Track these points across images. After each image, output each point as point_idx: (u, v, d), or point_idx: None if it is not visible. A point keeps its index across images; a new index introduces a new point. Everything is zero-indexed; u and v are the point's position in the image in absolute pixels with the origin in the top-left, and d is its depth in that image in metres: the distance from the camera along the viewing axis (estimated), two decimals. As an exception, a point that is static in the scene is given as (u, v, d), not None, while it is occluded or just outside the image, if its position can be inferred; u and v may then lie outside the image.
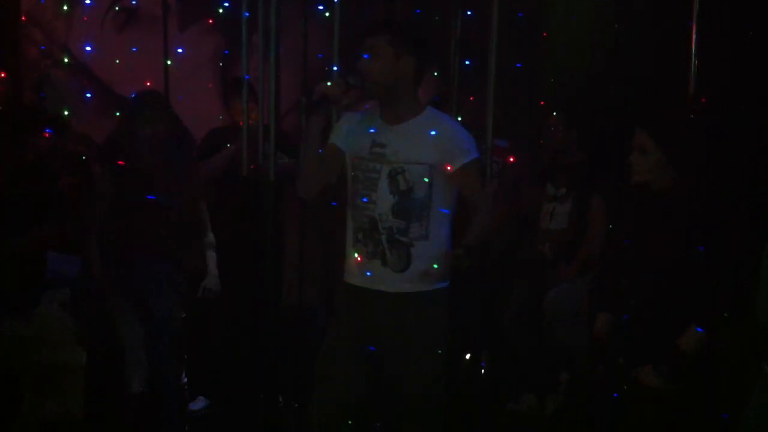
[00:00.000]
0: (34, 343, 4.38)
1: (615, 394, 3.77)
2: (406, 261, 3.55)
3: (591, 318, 4.01)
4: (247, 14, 4.92)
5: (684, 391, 3.54)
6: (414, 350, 3.59)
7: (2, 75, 5.78)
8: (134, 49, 6.94)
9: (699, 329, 3.47)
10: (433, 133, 3.50)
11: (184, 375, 5.21)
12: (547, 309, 5.21)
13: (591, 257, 5.16)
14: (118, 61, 7.02)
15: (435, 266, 3.51)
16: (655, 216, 3.64)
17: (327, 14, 5.13)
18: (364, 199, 3.54)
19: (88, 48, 7.06)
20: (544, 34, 6.70)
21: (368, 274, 3.58)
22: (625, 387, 3.69)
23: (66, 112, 5.92)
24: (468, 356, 5.77)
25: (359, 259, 3.58)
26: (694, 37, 4.88)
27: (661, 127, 3.63)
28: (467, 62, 5.05)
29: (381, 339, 3.61)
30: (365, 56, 3.50)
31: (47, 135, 4.65)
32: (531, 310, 5.33)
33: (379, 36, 3.49)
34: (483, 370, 5.63)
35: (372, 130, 3.55)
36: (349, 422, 3.63)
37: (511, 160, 5.87)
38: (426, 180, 3.49)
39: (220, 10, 6.61)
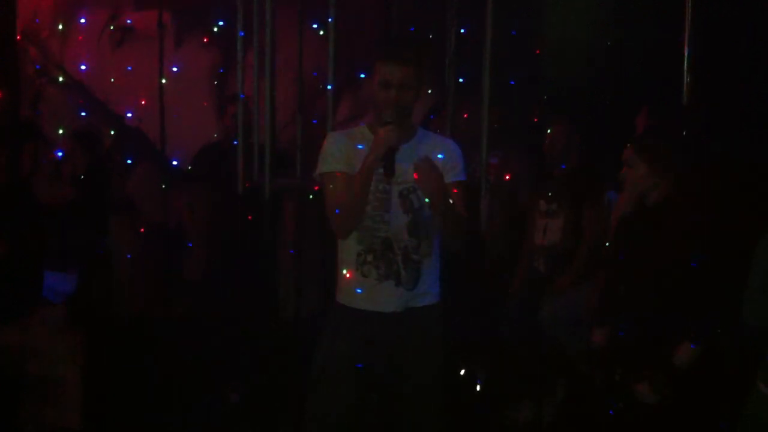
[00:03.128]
0: (30, 355, 4.38)
1: (611, 411, 3.77)
2: (417, 278, 3.56)
3: (590, 326, 4.03)
4: (242, 33, 4.95)
5: (680, 404, 3.55)
6: (415, 360, 3.59)
7: (-1, 93, 5.81)
8: (129, 68, 6.97)
9: (693, 344, 3.49)
10: (440, 156, 3.51)
11: None
12: (544, 321, 5.21)
13: (584, 266, 5.18)
14: (113, 80, 7.04)
15: (425, 284, 3.57)
16: (649, 230, 3.66)
17: (321, 32, 5.15)
18: (375, 220, 3.52)
19: (84, 66, 7.08)
20: (537, 51, 6.73)
21: (379, 296, 3.51)
22: (621, 400, 3.69)
23: (61, 130, 5.94)
24: (463, 372, 5.77)
25: (366, 280, 3.52)
26: (686, 52, 4.92)
27: (642, 141, 3.70)
28: (461, 79, 5.08)
29: (384, 356, 3.59)
30: (385, 86, 3.46)
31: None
32: (528, 320, 5.33)
33: (409, 68, 3.44)
34: (479, 386, 5.62)
35: None
36: None
37: (507, 177, 5.89)
38: None
39: (215, 28, 6.64)
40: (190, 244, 5.93)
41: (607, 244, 4.47)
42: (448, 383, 3.72)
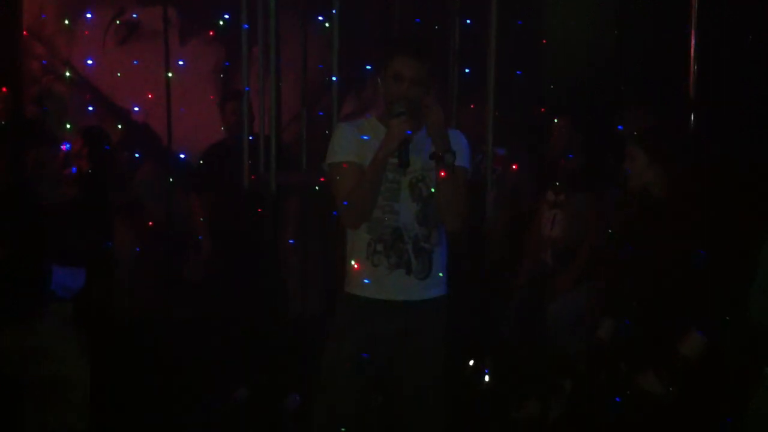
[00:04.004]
0: (36, 354, 4.38)
1: (617, 399, 3.77)
2: (429, 268, 3.57)
3: (592, 324, 4.02)
4: (246, 26, 4.93)
5: (686, 395, 3.55)
6: (424, 353, 3.60)
7: (3, 90, 5.80)
8: (135, 63, 6.97)
9: (699, 333, 3.48)
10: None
11: None
12: (549, 320, 5.20)
13: (585, 264, 5.16)
14: (119, 75, 7.05)
15: (440, 274, 3.60)
16: (654, 221, 3.66)
17: (327, 24, 5.13)
18: (385, 210, 3.52)
19: (90, 62, 7.08)
20: (544, 41, 6.71)
21: (389, 285, 3.54)
22: (628, 392, 3.69)
23: (68, 126, 5.94)
24: (471, 363, 5.77)
25: (376, 270, 3.53)
26: (693, 42, 4.90)
27: (641, 132, 3.70)
28: (467, 70, 5.07)
29: (392, 346, 3.59)
30: (395, 79, 3.45)
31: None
32: (532, 316, 5.32)
33: (423, 63, 3.45)
34: (486, 378, 5.62)
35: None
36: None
37: (514, 167, 5.88)
38: None
39: (221, 23, 6.62)
40: (200, 237, 5.94)
41: (610, 231, 4.47)
42: (452, 381, 3.71)
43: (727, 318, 3.44)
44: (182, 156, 6.57)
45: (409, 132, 3.37)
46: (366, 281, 3.56)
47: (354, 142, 3.53)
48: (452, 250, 3.70)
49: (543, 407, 5.36)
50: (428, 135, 3.43)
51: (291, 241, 5.65)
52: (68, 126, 6.01)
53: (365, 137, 3.52)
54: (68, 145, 5.26)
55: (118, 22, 7.30)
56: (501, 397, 5.47)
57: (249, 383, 5.49)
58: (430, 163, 3.48)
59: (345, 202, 3.48)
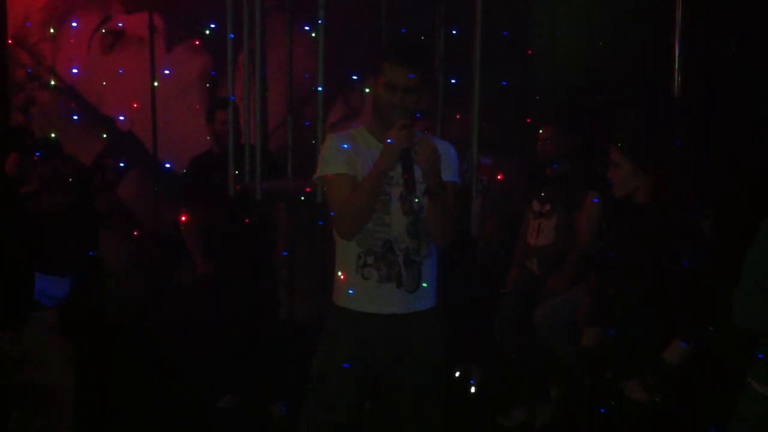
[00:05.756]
0: (21, 362, 4.36)
1: (602, 409, 3.78)
2: (418, 280, 3.55)
3: (581, 331, 4.04)
4: (232, 35, 4.93)
5: (671, 403, 3.55)
6: (419, 364, 3.58)
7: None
8: (121, 71, 6.97)
9: (683, 342, 3.50)
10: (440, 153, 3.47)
11: None
12: (537, 323, 5.21)
13: (576, 268, 5.17)
14: (104, 83, 7.04)
15: (425, 285, 3.57)
16: (638, 229, 3.67)
17: (313, 34, 5.13)
18: (376, 222, 3.50)
19: (75, 70, 7.08)
20: (530, 51, 6.74)
21: (379, 298, 3.52)
22: (612, 401, 3.70)
23: (53, 134, 5.92)
24: (458, 373, 5.78)
25: (366, 282, 3.51)
26: (677, 51, 4.93)
27: (626, 140, 3.71)
28: (453, 80, 5.08)
29: (383, 358, 3.58)
30: (395, 89, 3.41)
31: (35, 158, 4.67)
32: (521, 323, 5.32)
33: (418, 73, 3.41)
34: (473, 387, 5.63)
35: (375, 152, 3.49)
36: None
37: (500, 177, 5.89)
38: None
39: (207, 31, 6.63)
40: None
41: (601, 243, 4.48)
42: (444, 386, 3.71)
43: (711, 326, 3.45)
44: (167, 165, 6.56)
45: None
46: (355, 293, 3.54)
47: (344, 153, 3.50)
48: (443, 261, 3.69)
49: (530, 414, 5.38)
50: (420, 168, 3.37)
51: (285, 253, 5.63)
52: (53, 134, 5.99)
53: (354, 147, 3.51)
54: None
55: (103, 30, 7.30)
56: (489, 402, 5.48)
57: (239, 388, 5.50)
58: (420, 176, 3.45)
59: (332, 213, 3.46)
